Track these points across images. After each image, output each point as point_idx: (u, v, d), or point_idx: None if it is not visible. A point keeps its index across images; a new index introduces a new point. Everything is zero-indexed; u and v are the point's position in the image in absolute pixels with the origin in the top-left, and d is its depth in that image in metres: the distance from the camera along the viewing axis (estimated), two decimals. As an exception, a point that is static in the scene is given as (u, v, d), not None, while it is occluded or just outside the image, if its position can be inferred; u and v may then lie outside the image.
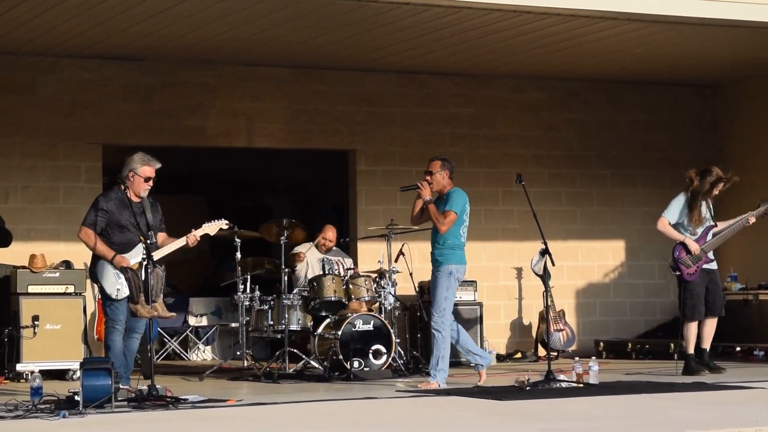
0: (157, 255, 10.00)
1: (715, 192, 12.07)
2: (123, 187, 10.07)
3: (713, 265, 12.10)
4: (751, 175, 15.86)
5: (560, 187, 15.78)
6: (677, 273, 12.00)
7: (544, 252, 10.90)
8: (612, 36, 13.18)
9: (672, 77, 15.88)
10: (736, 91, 16.24)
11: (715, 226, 12.05)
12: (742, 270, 14.96)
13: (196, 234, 10.26)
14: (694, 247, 11.90)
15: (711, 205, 12.15)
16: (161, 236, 10.24)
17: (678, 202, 12.06)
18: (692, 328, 11.99)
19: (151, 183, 10.17)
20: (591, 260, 15.91)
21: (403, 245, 13.02)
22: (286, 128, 14.80)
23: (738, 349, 14.51)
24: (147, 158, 10.23)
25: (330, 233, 13.28)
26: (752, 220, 12.07)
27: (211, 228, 10.41)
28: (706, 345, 12.11)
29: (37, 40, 12.97)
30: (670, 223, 12.05)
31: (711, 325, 12.10)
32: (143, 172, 10.14)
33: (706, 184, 11.97)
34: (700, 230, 12.00)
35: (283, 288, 12.29)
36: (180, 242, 10.23)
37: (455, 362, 13.56)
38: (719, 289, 12.15)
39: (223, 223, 10.47)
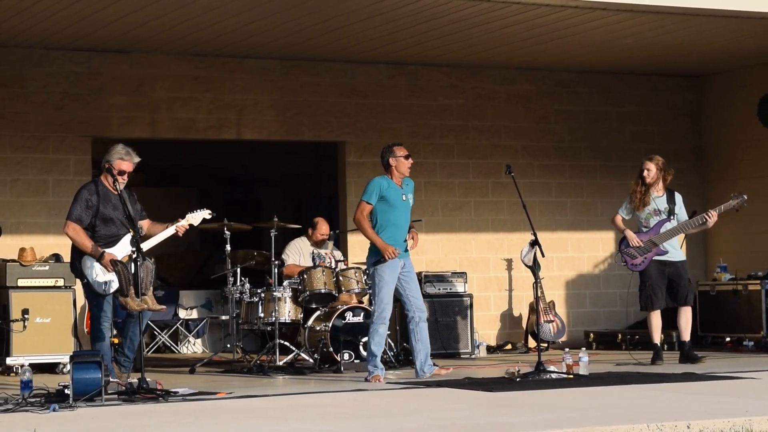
0: (146, 245, 9.98)
1: (646, 177, 12.15)
2: (111, 178, 10.01)
3: (673, 257, 12.17)
4: (741, 165, 15.91)
5: (550, 178, 15.79)
6: (623, 263, 12.30)
7: (534, 243, 10.91)
8: (601, 27, 13.19)
9: (662, 68, 15.90)
10: (726, 81, 16.26)
11: (669, 220, 12.14)
12: (731, 260, 14.98)
13: (183, 224, 10.23)
14: (632, 238, 12.10)
15: (676, 198, 12.25)
16: (146, 223, 10.22)
17: (627, 198, 12.37)
18: (652, 318, 12.21)
19: (125, 177, 10.08)
20: (581, 251, 15.93)
21: (393, 237, 13.01)
22: (276, 120, 14.79)
23: (728, 339, 14.55)
24: (125, 152, 10.12)
25: (324, 227, 13.27)
26: (713, 215, 12.04)
27: (195, 218, 10.37)
28: (685, 337, 12.24)
29: (27, 33, 12.94)
30: (623, 219, 12.34)
31: (684, 316, 12.26)
32: (118, 165, 10.08)
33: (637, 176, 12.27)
34: (652, 222, 12.15)
35: (273, 280, 12.28)
36: (168, 232, 10.20)
37: (447, 354, 13.63)
38: (682, 279, 12.23)
39: (206, 213, 10.44)
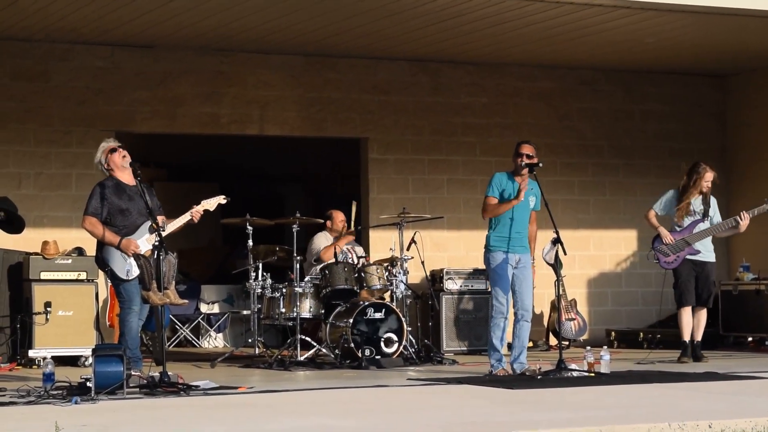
0: (164, 232, 10.02)
1: (703, 187, 12.28)
2: (121, 172, 10.14)
3: (704, 257, 12.33)
4: (764, 164, 15.85)
5: (572, 176, 15.77)
6: (655, 261, 12.41)
7: (556, 241, 10.87)
8: (625, 25, 13.16)
9: (685, 66, 15.85)
10: (750, 81, 16.21)
11: (703, 220, 12.27)
12: (754, 260, 14.94)
13: (198, 209, 10.28)
14: (666, 236, 12.24)
15: (711, 201, 12.31)
16: (161, 219, 10.28)
17: (666, 196, 12.49)
18: (683, 315, 12.34)
19: (121, 152, 10.19)
20: (603, 250, 15.90)
21: (414, 233, 13.02)
22: (299, 116, 14.81)
23: (750, 339, 14.50)
24: (112, 142, 10.33)
25: (341, 215, 13.31)
26: (745, 217, 12.11)
27: (210, 204, 10.42)
28: (696, 336, 12.39)
29: (51, 28, 12.99)
30: (657, 215, 12.43)
31: (698, 316, 12.40)
32: (113, 159, 10.21)
33: (691, 181, 12.28)
34: (686, 222, 12.25)
35: (294, 276, 12.29)
36: (184, 218, 10.25)
37: (469, 350, 13.64)
38: (708, 281, 12.37)
39: (221, 198, 10.50)
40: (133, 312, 10.02)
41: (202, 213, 10.33)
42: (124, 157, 10.17)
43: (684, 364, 11.89)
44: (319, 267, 12.71)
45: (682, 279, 12.27)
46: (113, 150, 10.21)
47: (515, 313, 10.81)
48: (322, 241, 13.19)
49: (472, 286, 14.06)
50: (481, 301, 13.98)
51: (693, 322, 12.40)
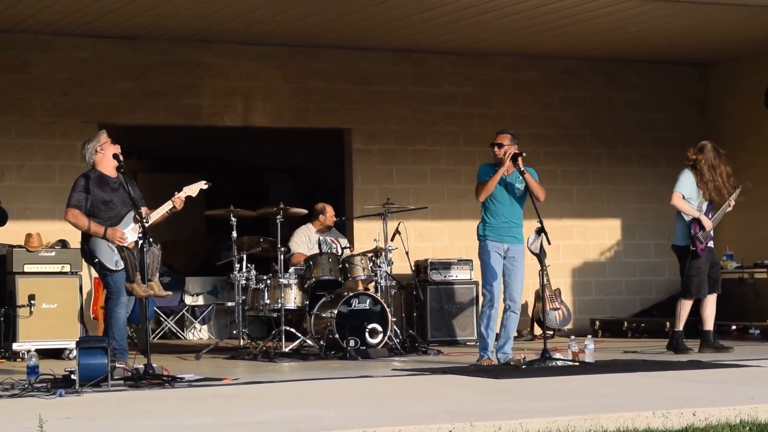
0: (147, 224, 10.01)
1: (717, 163, 11.95)
2: (109, 163, 10.10)
3: (712, 243, 12.11)
4: (744, 153, 15.88)
5: (555, 165, 15.77)
6: (693, 248, 11.84)
7: (540, 231, 10.89)
8: (607, 14, 13.16)
9: (668, 56, 15.87)
10: (731, 70, 16.24)
11: (711, 205, 12.05)
12: (737, 248, 14.97)
13: (180, 196, 10.26)
14: (708, 223, 11.85)
15: None
16: (144, 210, 10.27)
17: (688, 178, 11.93)
18: (686, 306, 12.03)
19: (117, 147, 10.17)
20: (587, 239, 15.92)
21: (399, 224, 13.03)
22: (282, 107, 14.78)
23: (734, 327, 14.52)
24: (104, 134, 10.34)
25: (332, 211, 13.34)
26: (731, 203, 11.99)
27: (192, 190, 10.42)
28: (709, 326, 12.08)
29: (32, 19, 12.94)
30: (684, 198, 11.90)
31: (711, 305, 12.09)
32: (106, 139, 10.21)
33: (708, 163, 11.87)
34: (704, 207, 11.96)
35: (279, 267, 12.28)
36: (167, 206, 10.24)
37: (452, 341, 13.65)
38: (718, 266, 12.22)
39: (203, 184, 10.49)
40: (121, 303, 10.01)
41: (184, 199, 10.32)
42: (116, 155, 10.13)
43: (668, 353, 11.85)
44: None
45: (704, 269, 11.87)
46: (114, 142, 10.20)
47: (504, 303, 10.83)
48: (301, 239, 13.17)
49: (456, 276, 14.07)
50: (466, 292, 13.99)
51: (706, 312, 12.00)
